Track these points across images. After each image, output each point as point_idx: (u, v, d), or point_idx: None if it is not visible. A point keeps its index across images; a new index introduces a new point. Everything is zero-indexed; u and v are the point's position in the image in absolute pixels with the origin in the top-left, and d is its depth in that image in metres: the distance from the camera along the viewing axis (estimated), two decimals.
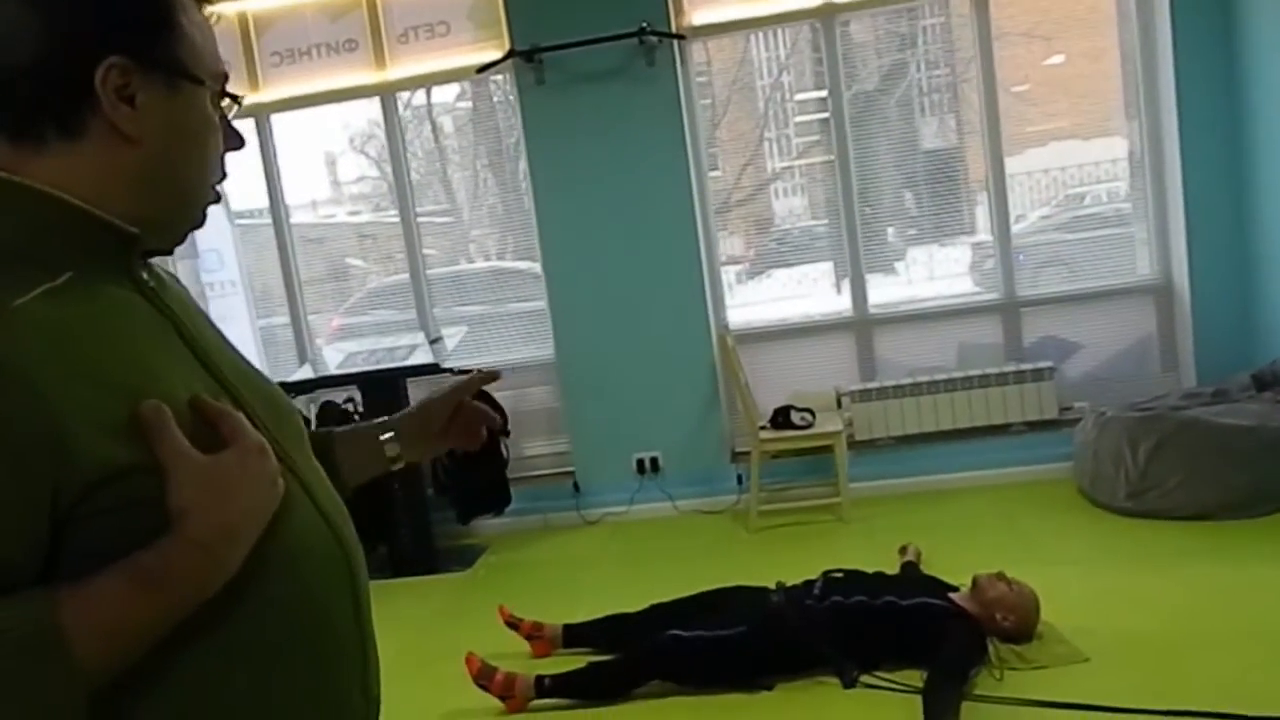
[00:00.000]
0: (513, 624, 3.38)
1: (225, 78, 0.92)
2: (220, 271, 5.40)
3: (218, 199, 0.95)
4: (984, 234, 4.81)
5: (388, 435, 1.16)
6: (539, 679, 2.98)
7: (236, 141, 0.95)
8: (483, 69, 4.71)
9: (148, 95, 0.83)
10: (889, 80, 4.83)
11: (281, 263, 5.26)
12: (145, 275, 0.89)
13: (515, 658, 3.25)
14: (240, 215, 5.40)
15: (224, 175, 0.95)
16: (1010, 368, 4.58)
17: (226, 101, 0.93)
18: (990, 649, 2.89)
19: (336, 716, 0.91)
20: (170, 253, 0.96)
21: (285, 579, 0.85)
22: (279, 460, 0.87)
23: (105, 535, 0.74)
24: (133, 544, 0.74)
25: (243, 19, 4.99)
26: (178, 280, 1.03)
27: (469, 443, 1.21)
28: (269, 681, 0.84)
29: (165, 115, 0.85)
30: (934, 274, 4.90)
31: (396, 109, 5.05)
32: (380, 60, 4.94)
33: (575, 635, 3.35)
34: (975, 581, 3.02)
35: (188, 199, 0.91)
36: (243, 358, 1.00)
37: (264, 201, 5.23)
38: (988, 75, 4.59)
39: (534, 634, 3.36)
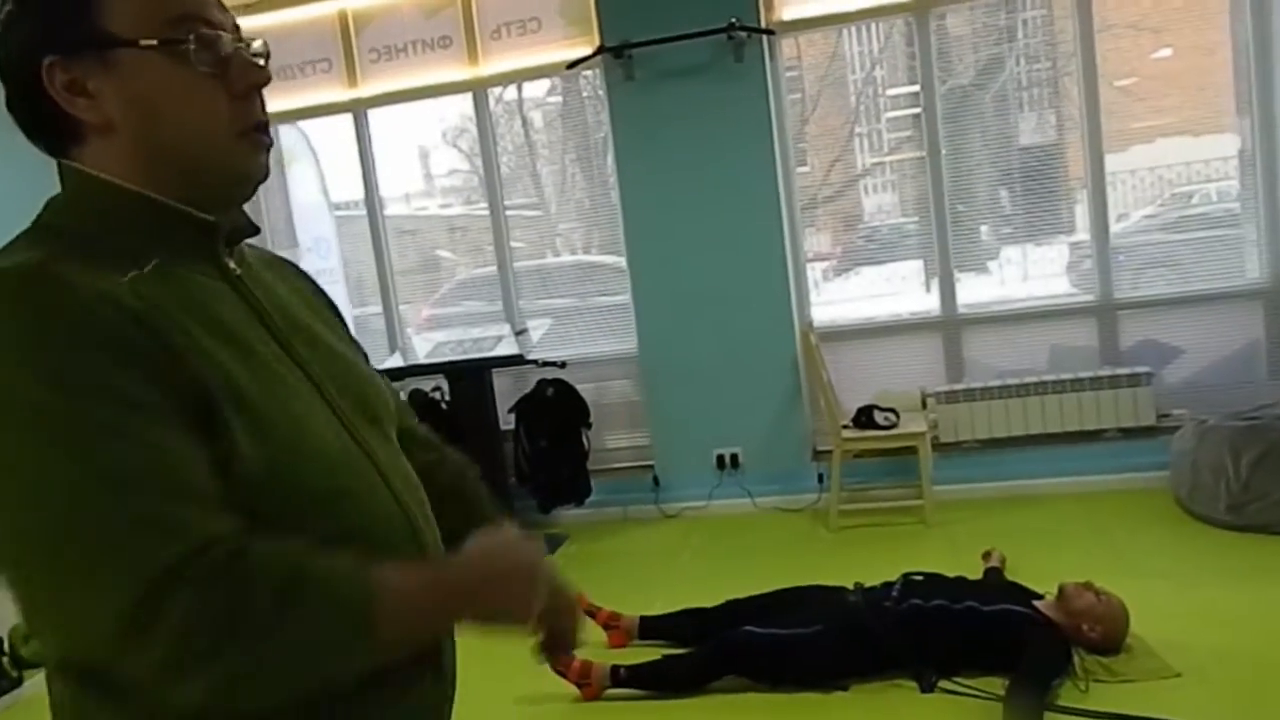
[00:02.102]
0: (590, 613, 3.42)
1: (197, 19, 0.84)
2: (326, 260, 5.57)
3: (261, 145, 0.89)
4: (1082, 233, 4.66)
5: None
6: (614, 668, 3.02)
7: (253, 74, 0.87)
8: (573, 65, 4.76)
9: (95, 80, 0.82)
10: (985, 74, 4.71)
11: (375, 253, 5.41)
12: (231, 263, 0.92)
13: (591, 646, 3.29)
14: (339, 207, 5.58)
15: (254, 118, 0.88)
16: (1105, 372, 4.43)
17: (223, 36, 0.86)
18: (1075, 659, 2.82)
19: (405, 692, 0.93)
20: (257, 232, 0.97)
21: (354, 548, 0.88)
22: (354, 442, 0.91)
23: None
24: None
25: (342, 16, 5.14)
26: (287, 264, 1.07)
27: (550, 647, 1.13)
28: None
29: (118, 91, 0.83)
30: (1028, 274, 4.77)
31: (488, 104, 5.15)
32: (473, 56, 5.04)
33: (651, 627, 3.38)
34: (1062, 590, 2.95)
35: (200, 162, 0.87)
36: (343, 340, 1.02)
37: (360, 193, 5.40)
38: (1089, 69, 4.44)
39: (611, 624, 3.40)
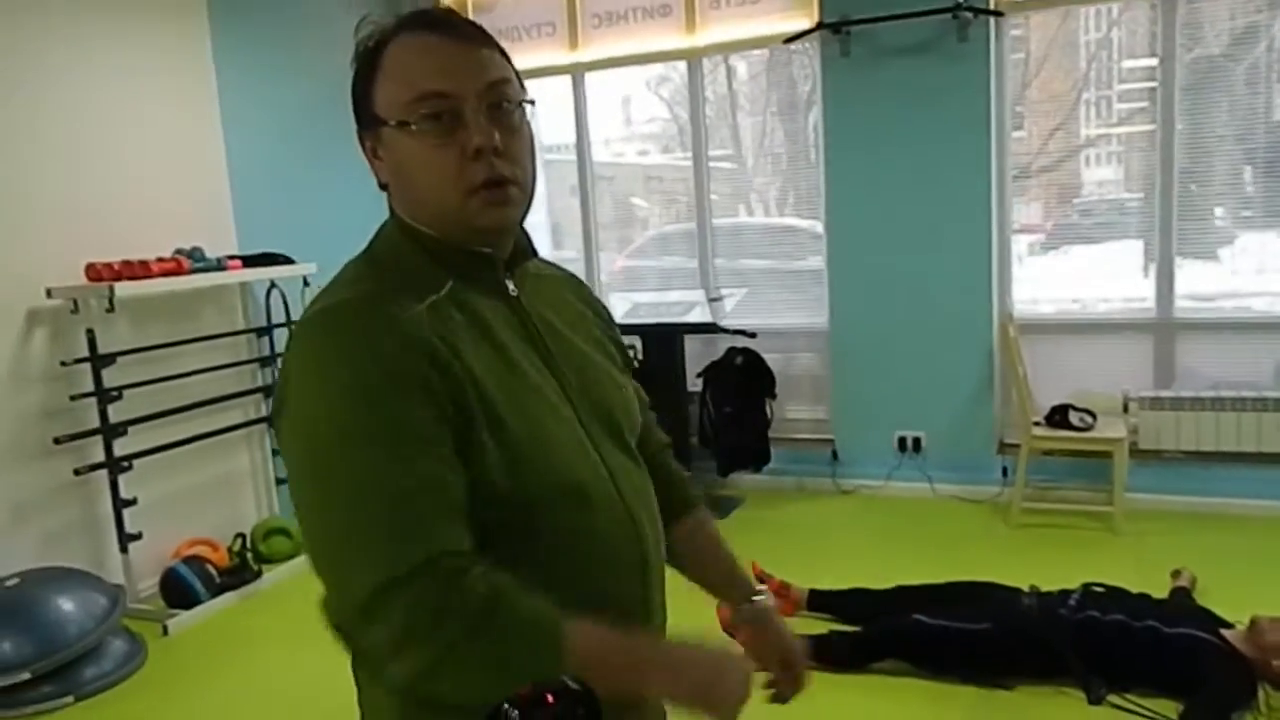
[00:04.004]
0: (762, 579, 3.58)
1: (429, 95, 0.99)
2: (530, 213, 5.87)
3: (490, 201, 1.02)
4: None
5: (761, 599, 1.32)
6: None
7: (478, 140, 1.00)
8: (790, 39, 4.80)
9: (380, 149, 1.05)
10: (1240, 44, 4.36)
11: (581, 199, 5.63)
12: (511, 284, 1.10)
13: None
14: (546, 150, 5.71)
15: (480, 178, 1.01)
16: None
17: (459, 106, 1.00)
18: (1260, 695, 2.74)
19: None
20: (532, 255, 1.15)
21: (587, 547, 1.05)
22: (593, 448, 1.07)
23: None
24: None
25: None
26: (567, 278, 1.25)
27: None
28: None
29: (387, 159, 1.05)
30: (1264, 266, 4.40)
31: (701, 72, 5.25)
32: (690, 25, 5.15)
33: (820, 601, 3.51)
34: (1254, 623, 2.85)
35: (442, 217, 1.03)
36: (604, 354, 1.19)
37: (570, 138, 5.59)
38: None
39: (781, 593, 3.55)
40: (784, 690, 1.29)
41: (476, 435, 0.97)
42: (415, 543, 0.91)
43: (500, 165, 1.01)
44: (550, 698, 0.71)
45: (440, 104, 1.00)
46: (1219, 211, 4.49)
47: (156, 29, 4.22)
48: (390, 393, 0.93)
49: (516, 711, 0.70)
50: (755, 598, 1.31)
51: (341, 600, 0.93)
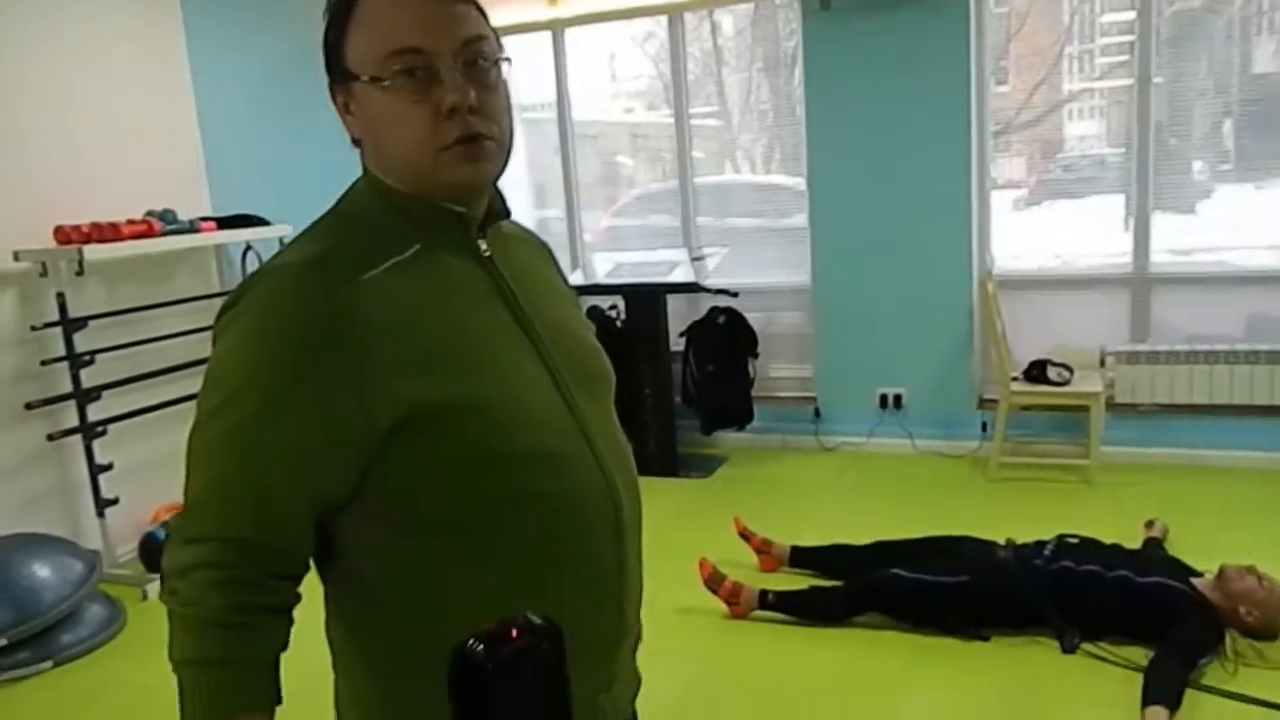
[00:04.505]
0: (745, 536, 3.62)
1: (404, 50, 0.97)
2: (509, 171, 5.81)
3: (463, 157, 1.00)
4: None
5: None
6: (763, 592, 3.21)
7: (453, 98, 0.98)
8: None
9: (352, 103, 1.02)
10: None
11: (562, 157, 5.59)
12: (484, 244, 1.08)
13: (743, 568, 3.50)
14: (526, 108, 5.67)
15: (454, 135, 0.99)
16: None
17: (435, 63, 0.97)
18: (1227, 640, 2.80)
19: (586, 629, 1.00)
20: (505, 216, 1.13)
21: (558, 511, 1.03)
22: (568, 410, 1.06)
23: (399, 464, 0.97)
24: (416, 474, 0.97)
25: None
26: (531, 238, 1.24)
27: None
28: (526, 580, 1.02)
29: (360, 114, 1.02)
30: (1241, 219, 4.40)
31: (683, 26, 5.18)
32: None
33: (801, 557, 3.55)
34: (1222, 571, 2.90)
35: (415, 174, 1.01)
36: (574, 318, 1.18)
37: (550, 97, 5.53)
38: None
39: (763, 549, 3.58)
40: None
41: (419, 410, 0.96)
42: (213, 523, 0.95)
43: (475, 123, 0.99)
44: (514, 632, 0.72)
45: (415, 60, 0.98)
46: (1197, 165, 4.49)
47: None
48: (292, 373, 0.94)
49: (481, 645, 0.70)
50: None
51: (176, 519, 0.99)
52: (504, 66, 1.05)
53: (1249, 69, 4.34)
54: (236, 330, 0.97)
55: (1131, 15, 4.38)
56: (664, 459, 4.83)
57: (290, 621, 1.00)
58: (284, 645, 0.99)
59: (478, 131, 1.00)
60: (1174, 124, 4.41)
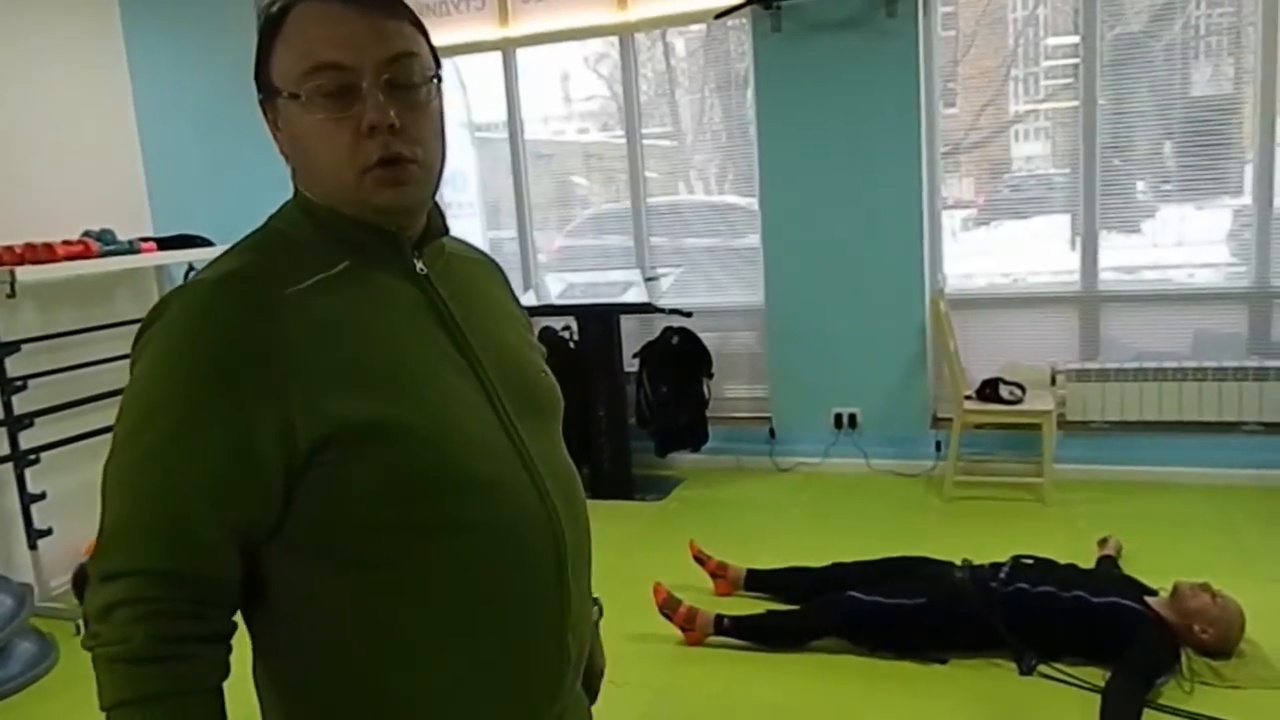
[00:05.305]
0: (700, 559, 3.57)
1: (324, 66, 0.93)
2: (462, 193, 5.77)
3: (384, 181, 0.96)
4: (1248, 198, 4.34)
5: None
6: (719, 618, 3.16)
7: (371, 117, 0.94)
8: (721, 14, 4.74)
9: (280, 119, 0.99)
10: (1159, 21, 4.41)
11: (514, 177, 5.54)
12: (420, 263, 1.03)
13: (699, 592, 3.44)
14: (479, 128, 5.65)
15: (375, 156, 0.95)
16: (1252, 363, 4.23)
17: (357, 81, 0.93)
18: (1183, 659, 2.80)
19: (525, 664, 1.01)
20: (446, 233, 1.08)
21: (492, 541, 0.98)
22: (505, 434, 1.01)
23: (321, 489, 0.92)
24: (341, 500, 0.92)
25: None
26: (481, 258, 1.20)
27: None
28: (458, 616, 0.97)
29: (285, 131, 0.99)
30: (1183, 238, 4.48)
31: (633, 46, 5.18)
32: (622, 0, 5.07)
33: (758, 580, 3.51)
34: (1176, 589, 2.91)
35: (338, 193, 0.97)
36: (521, 339, 1.13)
37: (502, 117, 5.50)
38: (1269, 15, 4.12)
39: (718, 573, 3.53)
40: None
41: (341, 430, 0.91)
42: (131, 556, 0.91)
43: (396, 144, 0.96)
44: None
45: (335, 77, 0.94)
46: (1140, 185, 4.57)
47: (65, 2, 4.01)
48: (207, 393, 0.90)
49: None
50: None
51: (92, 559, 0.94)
52: (436, 86, 1.01)
53: (1188, 91, 4.43)
54: (150, 352, 0.92)
55: (1075, 39, 4.45)
56: (618, 481, 4.77)
57: (228, 649, 0.94)
58: (224, 673, 0.93)
59: (398, 153, 0.96)
60: (1116, 145, 4.48)
